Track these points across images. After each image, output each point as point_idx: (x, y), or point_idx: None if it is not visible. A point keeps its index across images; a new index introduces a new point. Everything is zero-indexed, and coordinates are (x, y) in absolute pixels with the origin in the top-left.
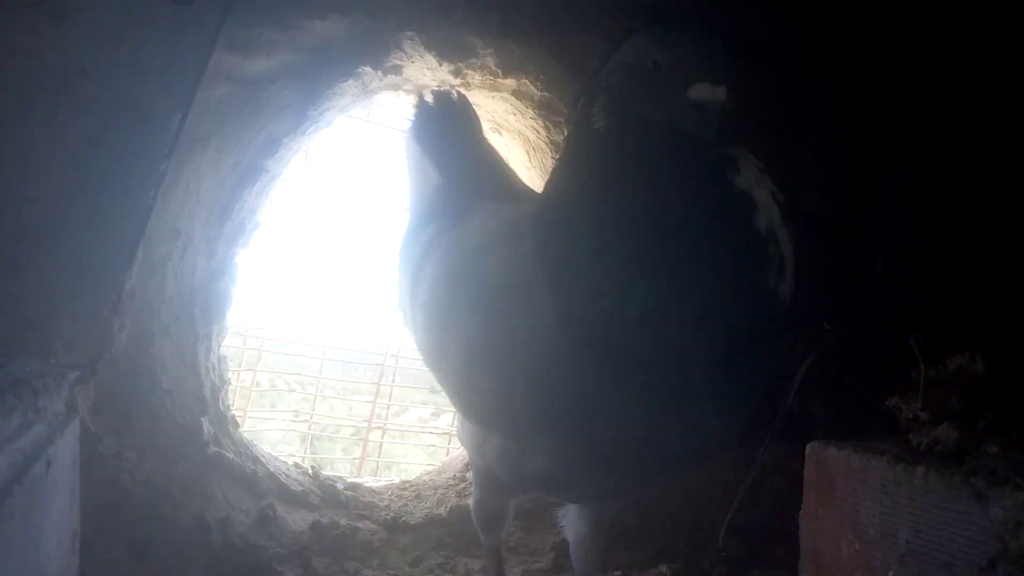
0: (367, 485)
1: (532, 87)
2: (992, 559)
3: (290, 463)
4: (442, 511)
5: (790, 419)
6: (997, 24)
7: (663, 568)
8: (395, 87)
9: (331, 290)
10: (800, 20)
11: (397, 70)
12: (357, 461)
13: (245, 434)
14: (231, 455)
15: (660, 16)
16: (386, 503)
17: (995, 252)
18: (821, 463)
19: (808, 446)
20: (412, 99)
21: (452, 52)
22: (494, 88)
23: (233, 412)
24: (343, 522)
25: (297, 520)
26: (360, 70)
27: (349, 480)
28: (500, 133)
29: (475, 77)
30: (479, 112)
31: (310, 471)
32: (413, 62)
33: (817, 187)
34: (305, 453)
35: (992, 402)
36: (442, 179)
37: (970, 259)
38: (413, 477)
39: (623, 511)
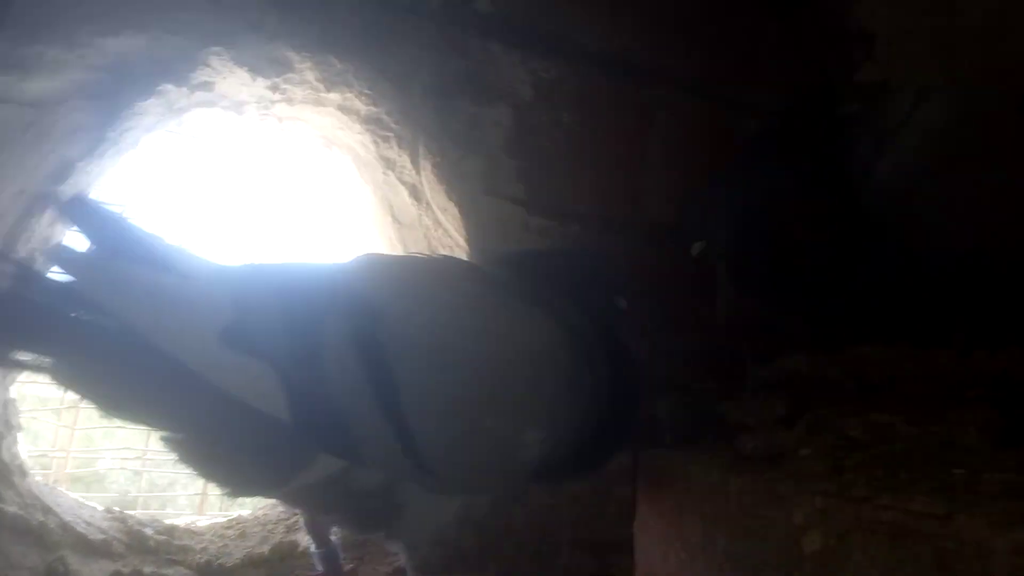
0: (186, 527)
1: (358, 102)
2: (790, 564)
3: (100, 509)
4: (264, 549)
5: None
6: None
7: None
8: (209, 104)
9: None
10: (639, 28)
11: (207, 87)
12: (199, 498)
13: (40, 481)
14: (13, 508)
15: (493, 31)
16: (203, 545)
17: (834, 257)
18: (651, 472)
19: (641, 456)
20: (231, 116)
21: (266, 67)
22: (319, 103)
23: (21, 460)
24: (148, 570)
25: (94, 572)
26: (162, 88)
27: (168, 522)
28: (330, 148)
29: (296, 92)
30: (306, 128)
31: (117, 515)
32: (224, 78)
33: (656, 195)
34: (139, 492)
35: (814, 404)
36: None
37: (811, 264)
38: (247, 512)
39: (460, 531)
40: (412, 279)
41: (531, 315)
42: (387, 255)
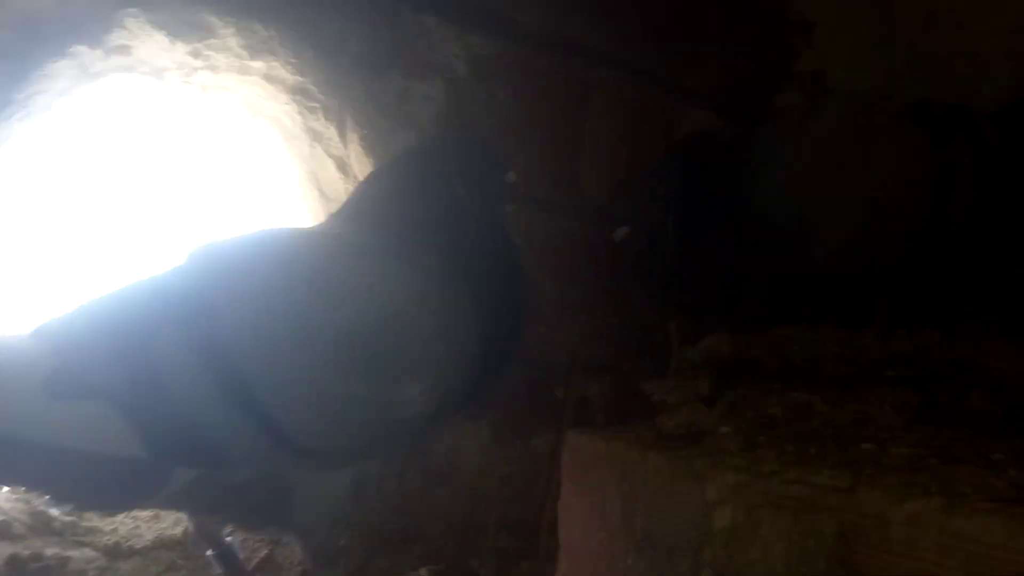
0: None
1: (283, 71)
2: (701, 540)
3: (3, 490)
4: (177, 531)
5: (568, 405)
6: None
7: (422, 571)
8: (127, 69)
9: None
10: (578, 7)
11: (124, 51)
12: None
13: None
14: None
15: (427, 3)
16: (113, 527)
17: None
18: (574, 452)
19: (565, 435)
20: (152, 82)
21: (186, 32)
22: (244, 71)
23: None
24: (50, 552)
25: None
26: (74, 49)
27: None
28: (256, 119)
29: (220, 59)
30: (231, 98)
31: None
32: (142, 42)
33: (593, 176)
34: None
35: (737, 384)
36: None
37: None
38: None
39: (384, 511)
40: (247, 263)
41: (383, 270)
42: (221, 241)
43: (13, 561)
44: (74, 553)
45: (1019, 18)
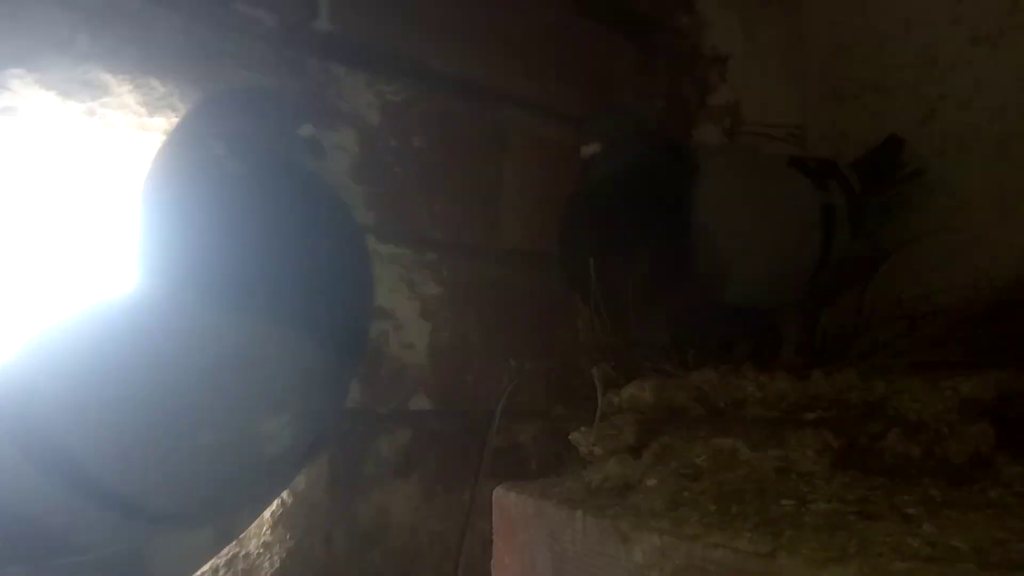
0: None
1: None
2: None
3: None
4: None
5: (501, 454)
6: None
7: None
8: (15, 128)
9: None
10: (492, 51)
11: (10, 111)
12: None
13: None
14: None
15: (334, 52)
16: None
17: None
18: (504, 509)
19: (494, 491)
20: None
21: (79, 91)
22: (144, 128)
23: None
24: None
25: None
26: None
27: None
28: None
29: (116, 117)
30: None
31: None
32: (31, 103)
33: (515, 220)
34: None
35: (662, 431)
36: None
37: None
38: None
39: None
40: (68, 340)
41: (203, 312)
42: (51, 322)
43: None
44: None
45: (924, 51)
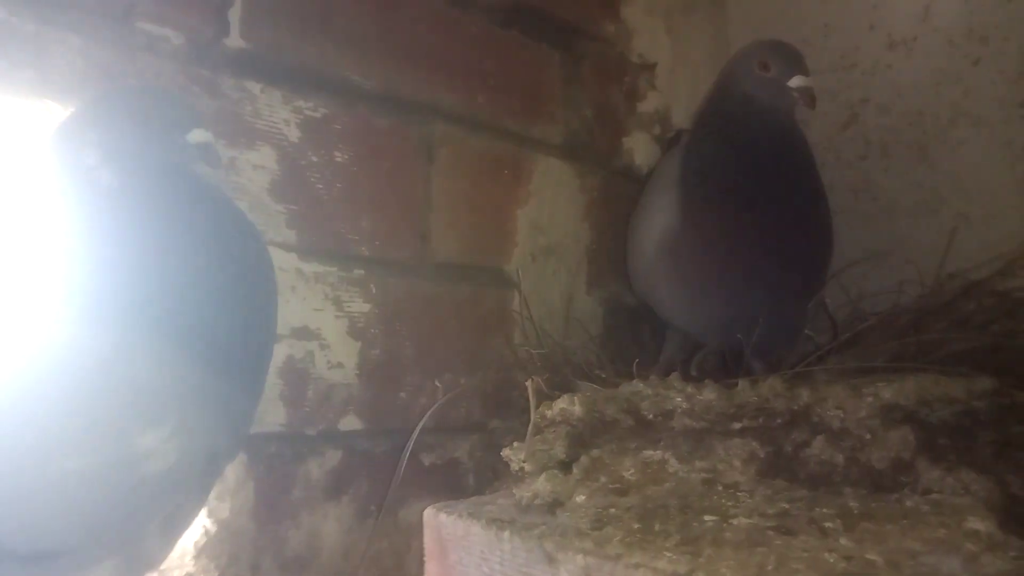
0: None
1: None
2: None
3: None
4: None
5: (437, 470)
6: None
7: None
8: None
9: None
10: (414, 64)
11: None
12: None
13: None
14: None
15: (248, 69)
16: None
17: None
18: (435, 530)
19: (424, 512)
20: None
21: None
22: None
23: None
24: None
25: None
26: None
27: None
28: None
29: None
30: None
31: None
32: None
33: (445, 234)
34: None
35: (593, 444)
36: None
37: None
38: None
39: None
40: None
41: (64, 339)
42: None
43: None
44: None
45: (844, 56)
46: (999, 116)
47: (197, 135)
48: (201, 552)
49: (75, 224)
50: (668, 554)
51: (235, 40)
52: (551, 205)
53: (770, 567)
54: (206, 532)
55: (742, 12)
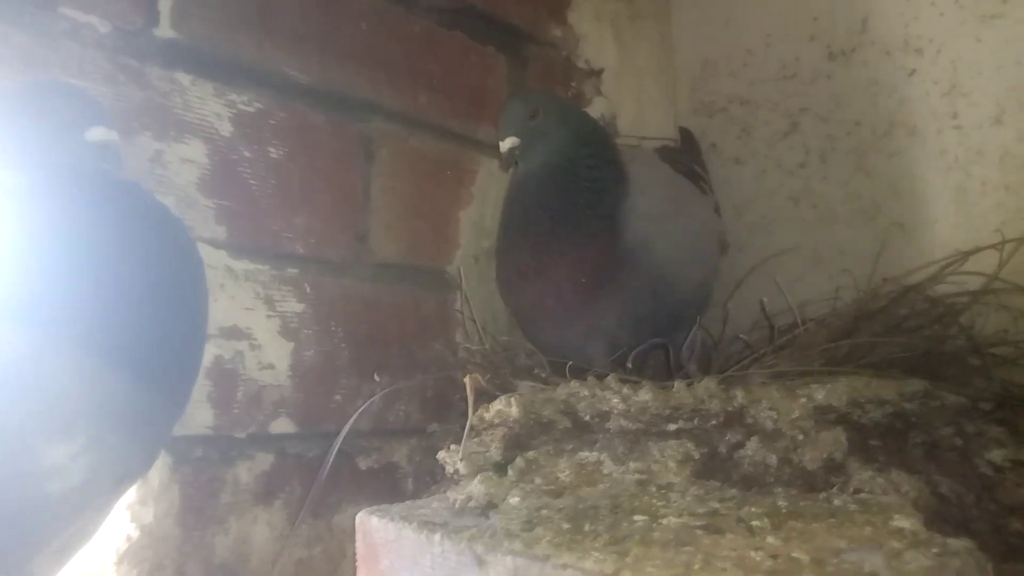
0: None
1: None
2: None
3: None
4: None
5: (374, 474)
6: None
7: None
8: None
9: None
10: (354, 62)
11: None
12: None
13: None
14: None
15: (179, 60)
16: None
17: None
18: (366, 534)
19: (357, 516)
20: None
21: None
22: None
23: None
24: None
25: None
26: None
27: None
28: None
29: None
30: None
31: None
32: None
33: (387, 233)
34: None
35: (529, 445)
36: None
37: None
38: None
39: None
40: None
41: None
42: None
43: None
44: None
45: (786, 66)
46: (933, 126)
47: (97, 133)
48: (123, 559)
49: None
50: (596, 554)
51: (165, 30)
52: (494, 207)
53: (696, 565)
54: (128, 538)
55: (687, 21)
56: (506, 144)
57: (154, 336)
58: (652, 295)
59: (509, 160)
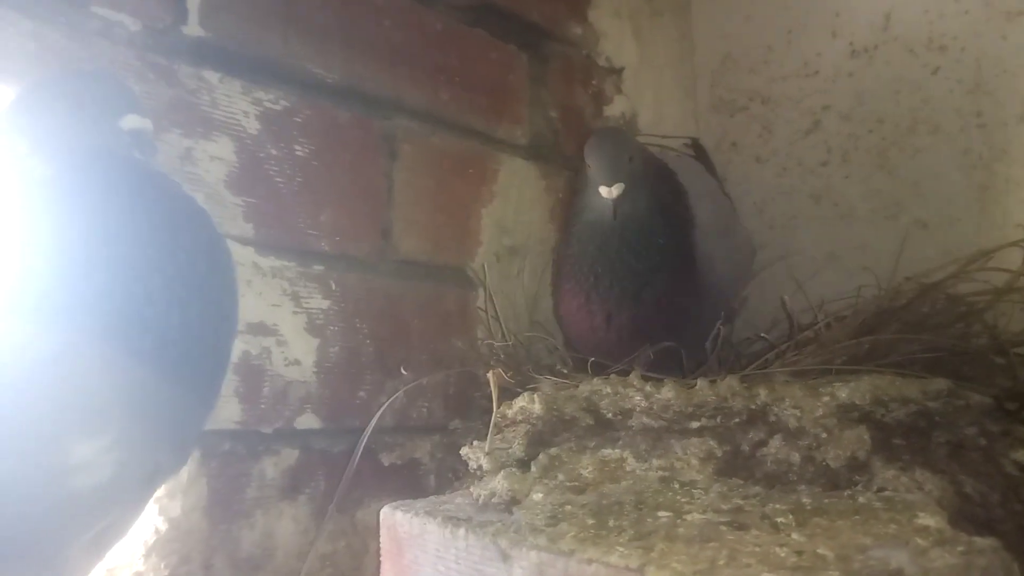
0: None
1: None
2: None
3: None
4: None
5: (397, 471)
6: None
7: None
8: None
9: None
10: (378, 60)
11: None
12: None
13: None
14: None
15: (207, 58)
16: None
17: None
18: (391, 529)
19: (381, 511)
20: None
21: None
22: None
23: None
24: None
25: None
26: None
27: None
28: None
29: None
30: None
31: None
32: None
33: (410, 230)
34: None
35: (552, 442)
36: None
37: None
38: None
39: None
40: None
41: None
42: None
43: None
44: None
45: (807, 63)
46: (956, 124)
47: (131, 121)
48: (151, 551)
49: (8, 217)
50: (621, 549)
51: (194, 28)
52: (516, 205)
53: (721, 561)
54: (156, 531)
55: (706, 16)
56: (615, 191)
57: (184, 332)
58: (712, 309)
59: (619, 205)
